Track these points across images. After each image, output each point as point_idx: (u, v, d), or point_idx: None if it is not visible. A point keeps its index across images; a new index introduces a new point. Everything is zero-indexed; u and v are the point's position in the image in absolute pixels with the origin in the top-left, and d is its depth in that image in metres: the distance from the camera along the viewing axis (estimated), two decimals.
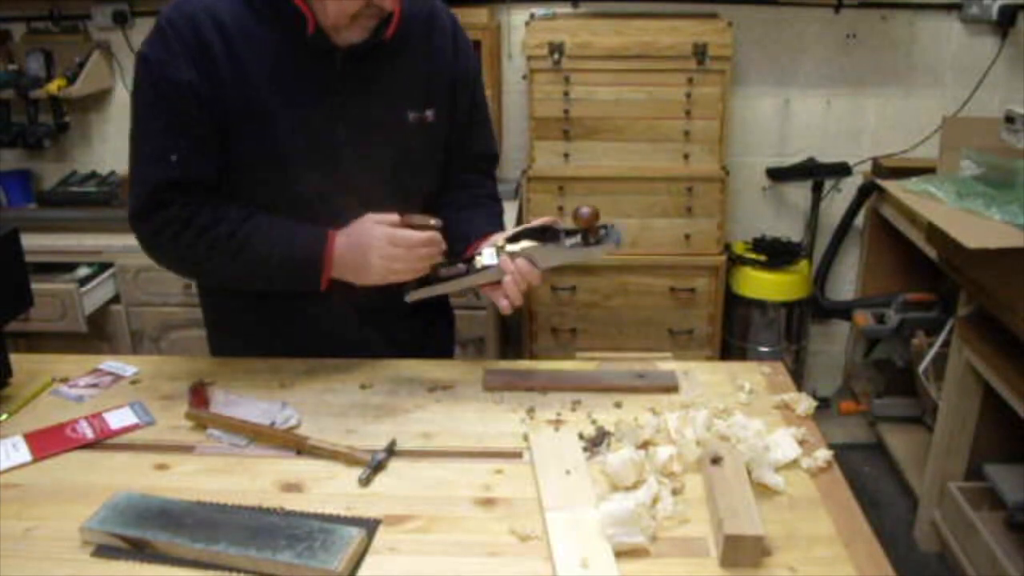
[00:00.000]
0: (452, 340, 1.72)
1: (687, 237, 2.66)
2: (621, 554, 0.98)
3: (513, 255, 1.27)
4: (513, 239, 1.29)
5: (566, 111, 2.57)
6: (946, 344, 2.29)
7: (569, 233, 1.29)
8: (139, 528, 1.01)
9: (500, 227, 1.45)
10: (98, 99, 2.94)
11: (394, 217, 1.29)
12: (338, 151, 1.34)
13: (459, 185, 1.52)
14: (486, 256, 1.28)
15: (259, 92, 1.28)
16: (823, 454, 1.17)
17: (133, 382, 1.42)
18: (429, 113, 1.40)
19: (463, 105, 1.46)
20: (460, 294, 1.39)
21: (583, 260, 1.28)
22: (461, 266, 1.30)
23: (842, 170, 2.85)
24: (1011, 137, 2.24)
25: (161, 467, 1.18)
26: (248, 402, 1.32)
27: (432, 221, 1.28)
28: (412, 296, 1.33)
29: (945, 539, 2.21)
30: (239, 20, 1.27)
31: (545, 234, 1.29)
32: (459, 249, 1.39)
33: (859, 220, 2.91)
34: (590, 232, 1.25)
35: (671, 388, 1.37)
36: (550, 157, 2.62)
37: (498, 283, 1.29)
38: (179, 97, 1.26)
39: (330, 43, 1.28)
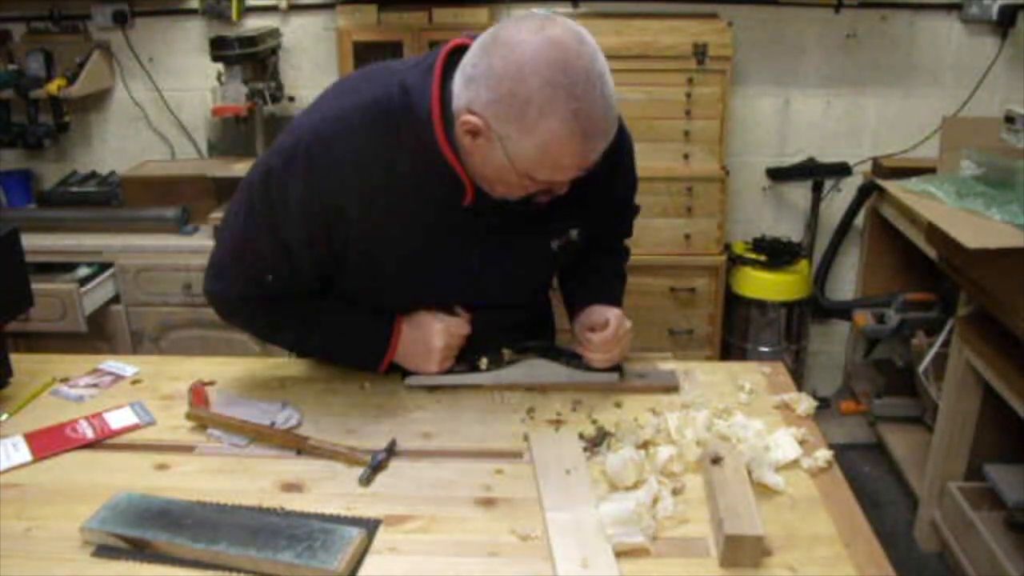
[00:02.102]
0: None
1: (687, 237, 2.66)
2: (621, 554, 0.98)
3: (516, 362, 1.37)
4: (521, 350, 1.38)
5: None
6: (946, 344, 2.28)
7: (572, 356, 1.38)
8: (139, 528, 1.01)
9: (611, 287, 1.46)
10: (98, 99, 2.93)
11: (447, 310, 1.35)
12: (470, 281, 1.32)
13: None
14: (484, 364, 1.37)
15: (392, 238, 1.24)
16: (823, 454, 1.17)
17: (133, 382, 1.42)
18: (574, 233, 1.33)
19: (616, 197, 1.42)
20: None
21: (577, 381, 1.38)
22: (467, 366, 1.38)
23: (842, 170, 2.85)
24: (1011, 137, 2.24)
25: (161, 467, 1.18)
26: (248, 402, 1.32)
27: (462, 311, 1.36)
28: (412, 381, 1.38)
29: (945, 539, 2.21)
30: (386, 167, 1.17)
31: (551, 353, 1.39)
32: (569, 314, 1.46)
33: (859, 220, 2.91)
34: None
35: (671, 388, 1.37)
36: None
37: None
38: (291, 236, 1.22)
39: (485, 202, 1.21)
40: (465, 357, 1.38)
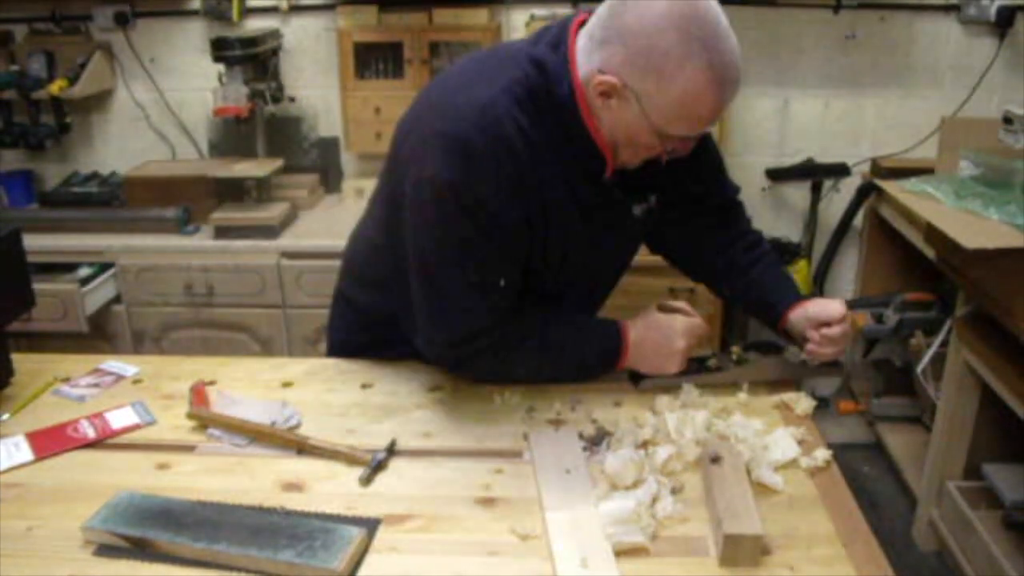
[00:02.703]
0: None
1: None
2: (621, 554, 0.99)
3: (744, 361, 1.38)
4: (746, 348, 1.40)
5: None
6: (945, 344, 2.29)
7: (790, 351, 1.40)
8: (140, 527, 1.01)
9: (792, 280, 1.45)
10: (100, 100, 2.94)
11: (676, 308, 1.37)
12: (587, 254, 1.32)
13: (724, 244, 1.46)
14: (721, 360, 1.38)
15: (551, 213, 1.23)
16: (822, 454, 1.18)
17: (134, 382, 1.42)
18: (652, 198, 1.33)
19: (700, 162, 1.35)
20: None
21: (802, 377, 1.40)
22: (695, 365, 1.38)
23: (841, 170, 2.85)
24: (1009, 138, 2.25)
25: (162, 467, 1.19)
26: (249, 402, 1.33)
27: (691, 310, 1.38)
28: (646, 385, 1.37)
29: (943, 538, 2.21)
30: (540, 140, 1.17)
31: (773, 349, 1.41)
32: (767, 318, 1.42)
33: (858, 220, 2.91)
34: None
35: (672, 388, 1.37)
36: None
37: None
38: (506, 229, 1.19)
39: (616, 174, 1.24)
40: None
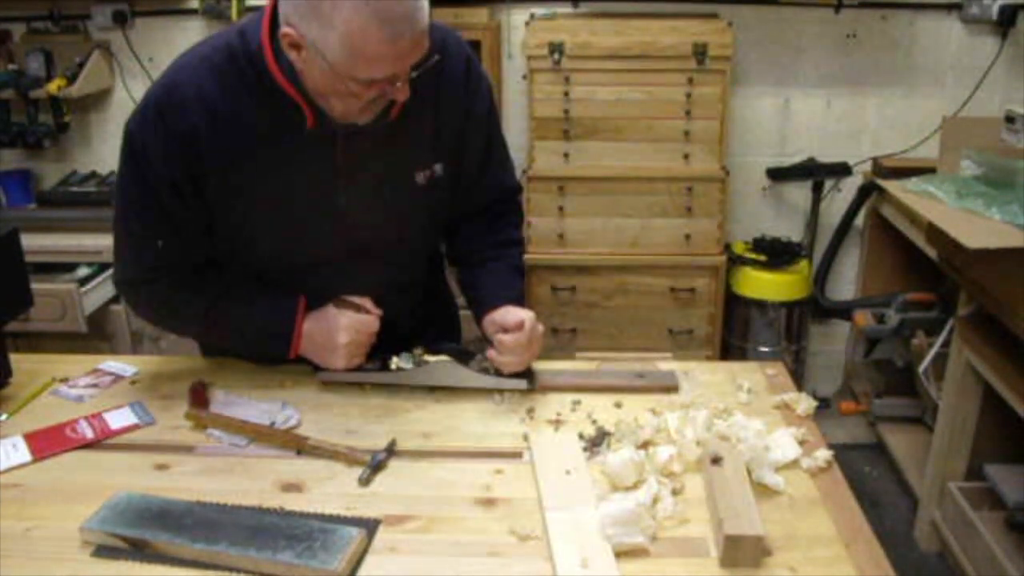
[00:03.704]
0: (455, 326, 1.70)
1: (687, 237, 2.66)
2: (621, 554, 0.98)
3: (425, 364, 1.37)
4: (434, 351, 1.39)
5: (566, 111, 2.56)
6: (946, 344, 2.28)
7: (485, 359, 1.37)
8: (139, 528, 1.01)
9: (514, 285, 1.44)
10: (98, 99, 2.93)
11: (354, 304, 1.36)
12: (340, 220, 1.32)
13: (477, 233, 1.47)
14: (403, 360, 1.37)
15: (251, 176, 1.26)
16: (823, 454, 1.17)
17: (133, 382, 1.42)
18: (438, 167, 1.34)
19: (475, 146, 1.40)
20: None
21: (490, 387, 1.36)
22: (378, 364, 1.38)
23: (842, 170, 2.84)
24: (1011, 137, 2.24)
25: (161, 467, 1.18)
26: (248, 402, 1.32)
27: (372, 307, 1.37)
28: (324, 376, 1.38)
29: (945, 539, 2.20)
30: (232, 104, 1.21)
31: (463, 356, 1.38)
32: (474, 317, 1.43)
33: (859, 220, 2.91)
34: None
35: (671, 388, 1.37)
36: (550, 157, 2.62)
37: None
38: (161, 188, 1.24)
39: (330, 129, 1.23)
40: (377, 355, 1.38)
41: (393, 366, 1.36)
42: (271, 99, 1.21)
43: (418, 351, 1.38)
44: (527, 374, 1.36)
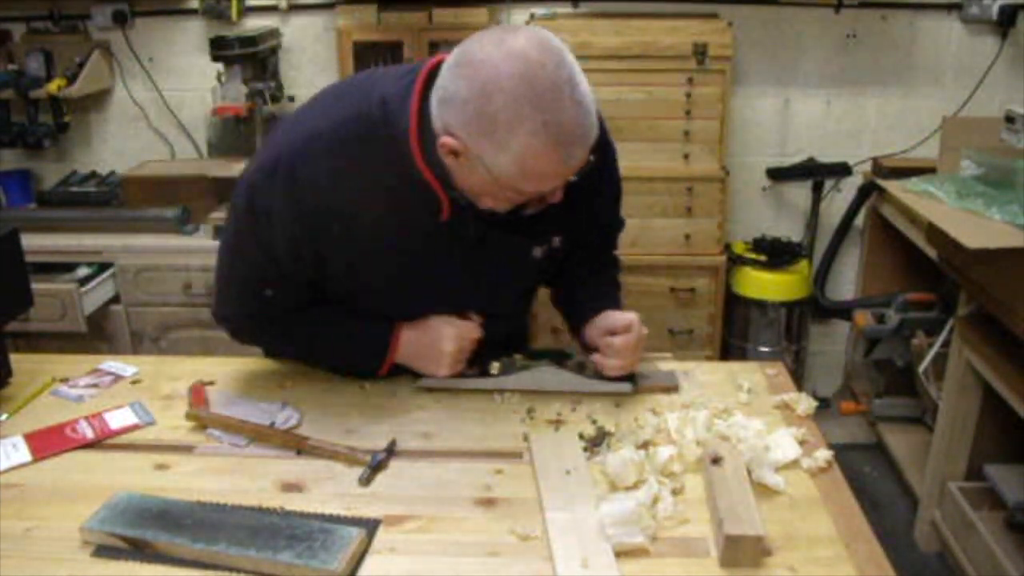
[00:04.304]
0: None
1: (687, 237, 2.66)
2: (621, 554, 0.98)
3: (525, 368, 1.37)
4: (533, 356, 1.40)
5: None
6: (946, 344, 2.28)
7: (581, 364, 1.38)
8: (139, 528, 1.01)
9: (613, 295, 1.44)
10: (98, 99, 2.93)
11: (459, 315, 1.35)
12: (452, 292, 1.33)
13: (578, 263, 1.46)
14: (503, 366, 1.37)
15: (373, 254, 1.25)
16: (823, 454, 1.17)
17: (133, 382, 1.42)
18: (557, 240, 1.33)
19: (602, 217, 1.41)
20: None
21: (589, 390, 1.36)
22: (477, 370, 1.38)
23: (842, 170, 2.84)
24: (1011, 137, 2.24)
25: (161, 467, 1.18)
26: (248, 402, 1.32)
27: (473, 314, 1.36)
28: (427, 383, 1.38)
29: (945, 539, 2.20)
30: (365, 185, 1.19)
31: (561, 360, 1.39)
32: (573, 323, 1.43)
33: (859, 220, 2.91)
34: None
35: (671, 388, 1.37)
36: None
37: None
38: (279, 251, 1.23)
39: (465, 219, 1.22)
40: (477, 361, 1.37)
41: (494, 371, 1.36)
42: (407, 182, 1.18)
43: (517, 356, 1.38)
44: (630, 376, 1.36)
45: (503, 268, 1.33)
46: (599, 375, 1.35)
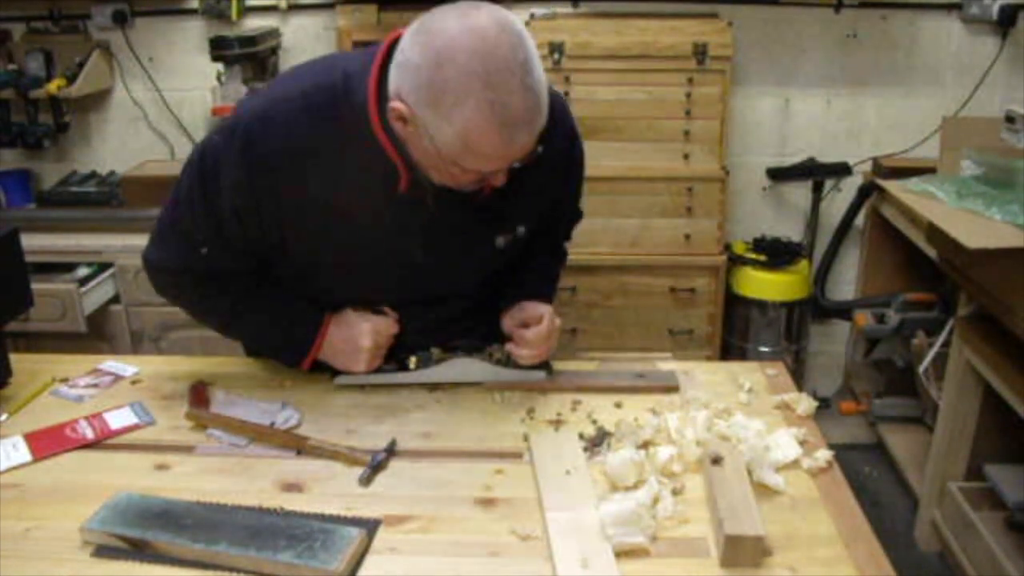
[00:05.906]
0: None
1: (687, 237, 2.66)
2: (621, 554, 0.98)
3: (442, 361, 1.38)
4: (450, 349, 1.39)
5: None
6: (946, 344, 2.28)
7: (498, 354, 1.38)
8: (139, 528, 1.01)
9: (538, 287, 1.43)
10: (98, 99, 2.93)
11: (370, 307, 1.36)
12: (413, 273, 1.32)
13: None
14: (420, 360, 1.38)
15: (329, 224, 1.25)
16: (823, 454, 1.17)
17: (133, 382, 1.42)
18: (520, 229, 1.34)
19: (564, 208, 1.44)
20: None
21: (504, 379, 1.38)
22: (395, 365, 1.38)
23: (842, 170, 2.84)
24: (1011, 137, 2.24)
25: (161, 467, 1.18)
26: (248, 402, 1.32)
27: (389, 309, 1.37)
28: (343, 380, 1.38)
29: (945, 539, 2.20)
30: (323, 152, 1.19)
31: (477, 351, 1.39)
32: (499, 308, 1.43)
33: (859, 220, 2.90)
34: None
35: (671, 388, 1.37)
36: None
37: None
38: (224, 212, 1.23)
39: (422, 192, 1.21)
40: (396, 355, 1.38)
41: (412, 366, 1.37)
42: (366, 154, 1.18)
43: (434, 350, 1.38)
44: (544, 365, 1.37)
45: (465, 254, 1.33)
46: (515, 364, 1.36)
